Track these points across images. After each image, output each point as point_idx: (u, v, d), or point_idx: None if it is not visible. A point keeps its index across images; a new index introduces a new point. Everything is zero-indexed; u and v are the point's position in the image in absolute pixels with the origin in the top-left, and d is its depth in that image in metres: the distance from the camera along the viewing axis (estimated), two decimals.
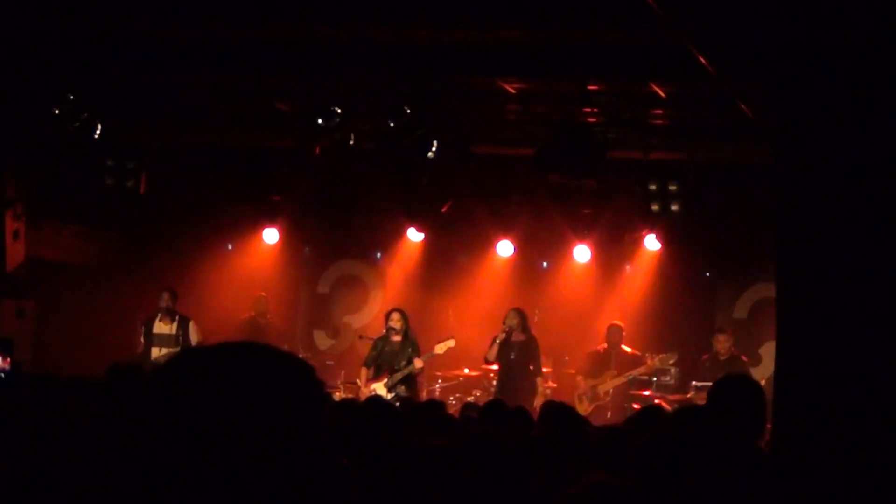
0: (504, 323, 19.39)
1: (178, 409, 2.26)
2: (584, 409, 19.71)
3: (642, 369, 19.87)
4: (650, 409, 10.38)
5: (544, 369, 20.52)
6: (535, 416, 10.70)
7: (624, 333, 20.62)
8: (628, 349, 20.53)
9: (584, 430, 9.99)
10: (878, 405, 7.60)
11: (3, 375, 7.44)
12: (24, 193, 20.24)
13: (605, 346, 20.59)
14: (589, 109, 17.16)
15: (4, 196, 19.77)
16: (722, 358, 19.37)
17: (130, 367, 10.07)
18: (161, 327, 19.74)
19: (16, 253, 20.17)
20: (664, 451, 5.00)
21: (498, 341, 19.26)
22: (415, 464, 6.93)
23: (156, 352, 19.51)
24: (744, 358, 19.42)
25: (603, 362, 20.42)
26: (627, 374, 19.91)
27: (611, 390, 20.11)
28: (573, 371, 21.23)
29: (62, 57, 16.64)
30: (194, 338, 19.80)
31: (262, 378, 2.31)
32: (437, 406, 12.11)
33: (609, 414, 19.30)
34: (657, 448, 5.03)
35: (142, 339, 19.79)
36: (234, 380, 2.28)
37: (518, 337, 19.38)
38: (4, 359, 7.54)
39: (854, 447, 7.46)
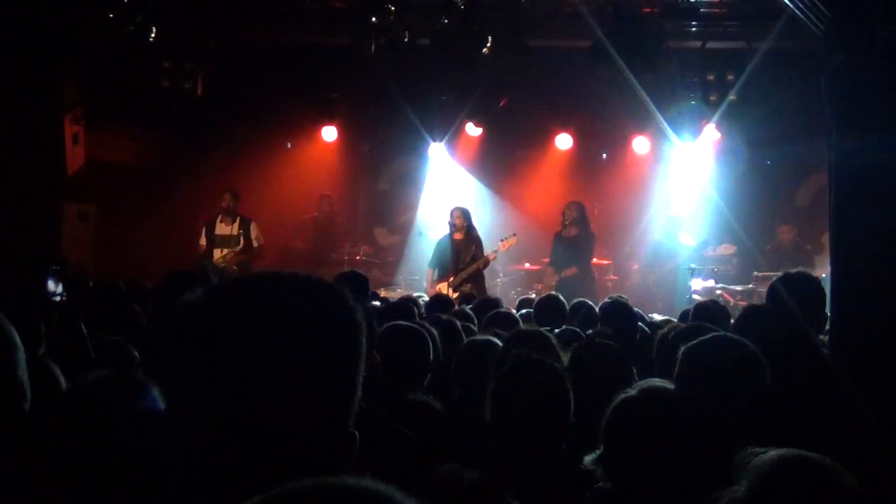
0: (563, 216, 19.27)
1: (221, 338, 2.30)
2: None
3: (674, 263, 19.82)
4: (703, 306, 10.29)
5: (605, 262, 20.51)
6: None
7: (683, 224, 20.51)
8: (687, 238, 20.46)
9: (642, 329, 10.01)
10: None
11: (59, 297, 7.39)
12: (82, 98, 20.28)
13: (660, 236, 20.54)
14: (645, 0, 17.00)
15: (63, 101, 19.82)
16: (786, 248, 19.31)
17: (189, 274, 10.13)
18: (222, 228, 19.76)
19: (76, 157, 20.26)
20: (705, 359, 4.97)
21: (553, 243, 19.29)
22: (462, 361, 6.96)
23: (217, 253, 19.57)
24: (808, 247, 19.33)
25: (656, 253, 20.43)
26: (665, 264, 19.92)
27: (658, 280, 20.13)
28: (634, 262, 21.26)
29: None
30: (255, 240, 19.82)
31: (300, 309, 2.34)
32: (492, 302, 12.14)
33: (660, 305, 19.24)
34: (699, 355, 5.00)
35: (203, 241, 19.83)
36: (275, 313, 2.32)
37: (572, 231, 19.22)
38: (57, 284, 7.49)
39: None
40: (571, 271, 18.93)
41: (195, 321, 2.32)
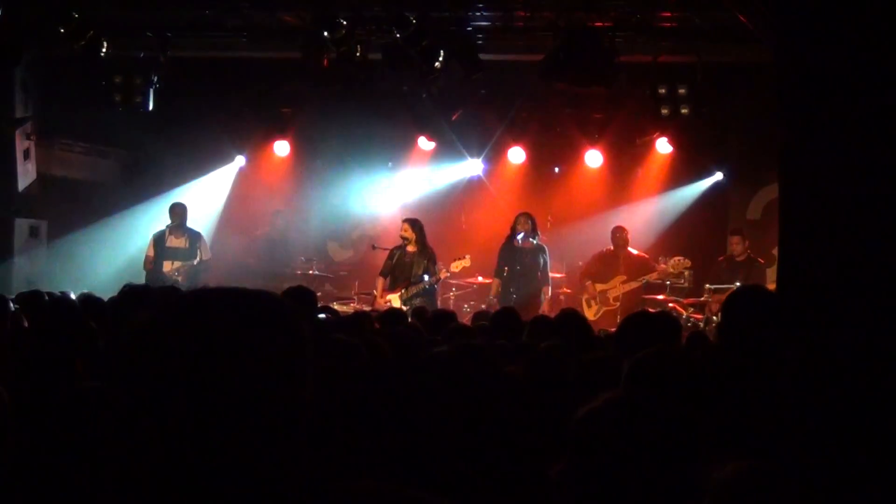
0: (514, 228, 19.22)
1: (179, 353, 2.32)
2: (592, 313, 19.58)
3: (654, 275, 19.68)
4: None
5: (558, 275, 20.49)
6: None
7: (629, 236, 20.44)
8: (635, 251, 20.35)
9: (597, 342, 10.01)
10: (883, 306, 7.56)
11: None
12: (33, 112, 20.21)
13: (612, 248, 20.43)
14: (596, 14, 17.05)
15: (14, 116, 19.73)
16: (738, 259, 19.33)
17: (144, 288, 10.10)
18: (173, 241, 19.73)
19: (27, 172, 20.18)
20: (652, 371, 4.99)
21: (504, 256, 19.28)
22: (419, 373, 6.95)
23: (168, 265, 19.53)
24: (760, 260, 19.35)
25: (611, 265, 20.23)
26: (640, 278, 19.77)
27: (620, 295, 20.00)
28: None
29: None
30: (204, 253, 19.82)
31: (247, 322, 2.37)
32: (448, 316, 12.16)
33: (619, 318, 19.15)
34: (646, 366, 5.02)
35: (151, 253, 19.74)
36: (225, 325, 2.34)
37: (526, 244, 19.18)
38: None
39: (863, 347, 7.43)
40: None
41: (152, 335, 2.34)
